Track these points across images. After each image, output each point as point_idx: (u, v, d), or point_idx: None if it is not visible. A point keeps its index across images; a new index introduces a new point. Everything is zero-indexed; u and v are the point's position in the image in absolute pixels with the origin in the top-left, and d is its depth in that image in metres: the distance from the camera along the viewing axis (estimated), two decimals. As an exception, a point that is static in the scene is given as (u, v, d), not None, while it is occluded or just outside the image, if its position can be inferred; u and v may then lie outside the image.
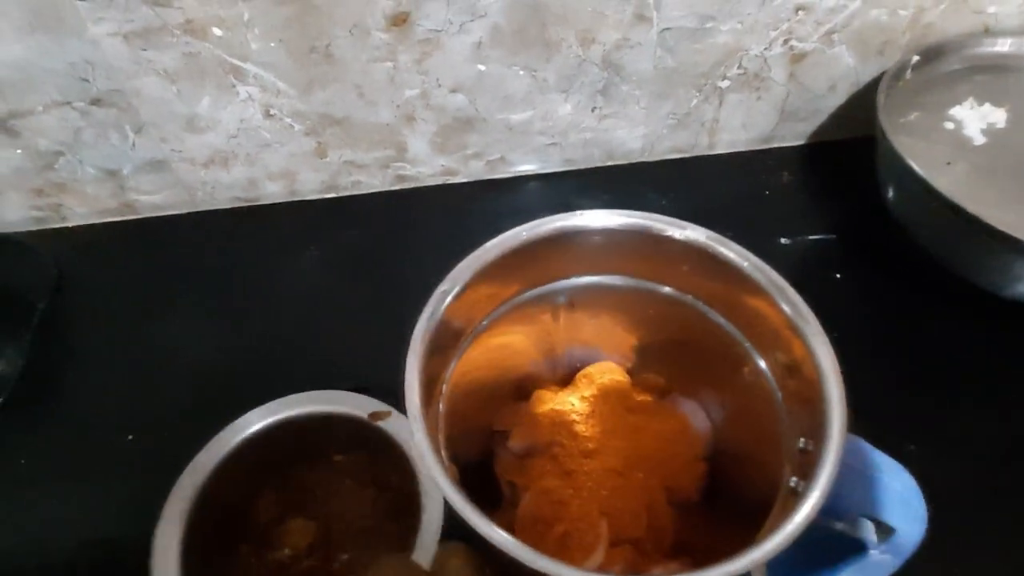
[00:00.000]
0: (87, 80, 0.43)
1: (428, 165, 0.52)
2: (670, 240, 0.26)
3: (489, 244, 0.26)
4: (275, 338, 0.44)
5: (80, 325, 0.46)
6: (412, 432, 0.22)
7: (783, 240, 0.48)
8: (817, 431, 0.22)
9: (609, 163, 0.54)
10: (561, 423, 0.32)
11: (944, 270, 0.42)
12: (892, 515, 0.21)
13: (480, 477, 0.34)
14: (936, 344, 0.43)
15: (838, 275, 0.46)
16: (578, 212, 0.26)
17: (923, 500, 0.22)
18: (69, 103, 0.44)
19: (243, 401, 0.41)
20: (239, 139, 0.47)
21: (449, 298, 0.25)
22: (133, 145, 0.47)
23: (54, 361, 0.44)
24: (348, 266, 0.49)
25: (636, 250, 0.27)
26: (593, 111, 0.49)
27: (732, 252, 0.25)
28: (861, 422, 0.38)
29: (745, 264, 0.25)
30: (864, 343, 0.43)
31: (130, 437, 0.40)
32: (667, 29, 0.45)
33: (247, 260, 0.49)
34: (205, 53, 0.42)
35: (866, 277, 0.46)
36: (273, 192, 0.52)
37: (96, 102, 0.44)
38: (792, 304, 0.24)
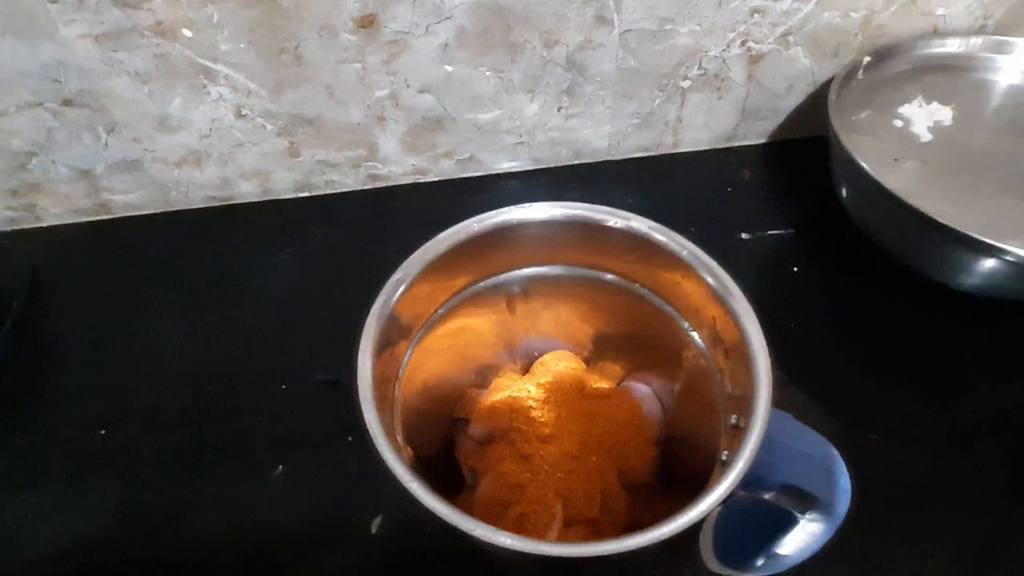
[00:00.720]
0: (59, 81, 0.43)
1: (399, 164, 0.53)
2: (612, 230, 0.27)
3: (441, 236, 0.27)
4: (250, 335, 0.45)
5: (55, 324, 0.47)
6: (363, 412, 0.23)
7: (743, 235, 0.49)
8: (747, 407, 0.23)
9: (576, 161, 0.55)
10: (518, 409, 0.33)
11: (896, 263, 0.44)
12: (816, 485, 0.23)
13: (443, 465, 0.35)
14: (888, 334, 0.44)
15: (795, 268, 0.47)
16: (525, 204, 0.28)
17: (846, 471, 0.23)
18: (41, 104, 0.44)
19: (217, 398, 0.42)
20: (211, 139, 0.48)
21: (402, 287, 0.26)
22: (106, 145, 0.47)
23: (29, 360, 0.45)
24: (323, 264, 0.49)
25: (583, 240, 0.29)
26: (559, 111, 0.51)
27: (671, 240, 0.27)
28: (815, 409, 0.40)
29: (684, 252, 0.27)
30: (819, 333, 0.44)
31: (103, 432, 0.41)
32: (628, 31, 0.46)
33: (222, 259, 0.50)
34: (175, 54, 0.43)
35: (822, 270, 0.47)
36: (247, 191, 0.53)
37: (68, 103, 0.45)
38: (724, 286, 0.25)
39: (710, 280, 0.26)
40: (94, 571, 0.35)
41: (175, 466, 0.39)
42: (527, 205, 0.28)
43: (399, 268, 0.26)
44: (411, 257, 0.27)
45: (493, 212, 0.28)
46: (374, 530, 0.36)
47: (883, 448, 0.39)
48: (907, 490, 0.37)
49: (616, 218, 0.27)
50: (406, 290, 0.26)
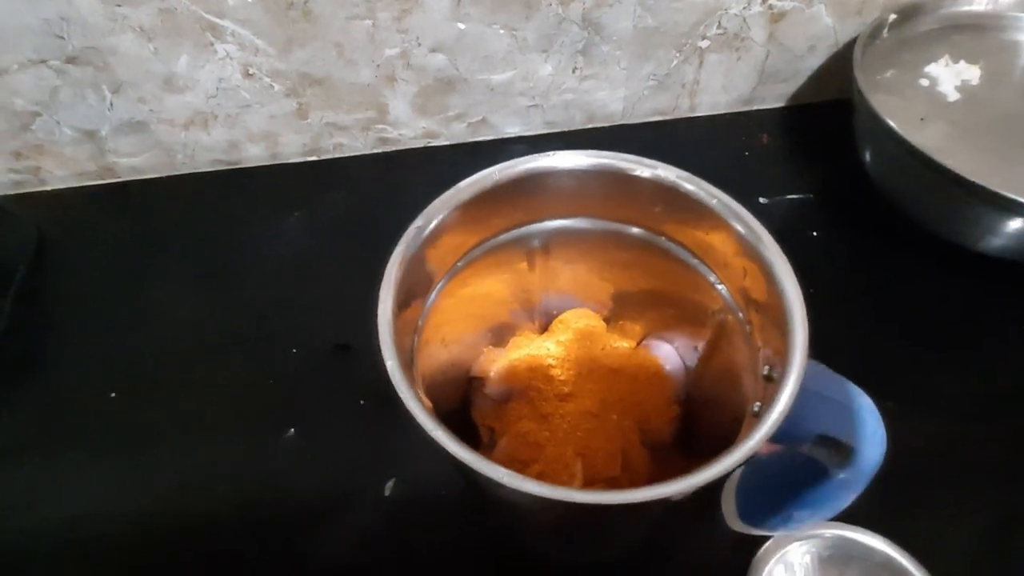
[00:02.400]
0: (62, 37, 0.42)
1: (410, 127, 0.52)
2: (640, 180, 0.26)
3: (463, 183, 0.27)
4: (259, 300, 0.44)
5: (61, 289, 0.46)
6: (384, 359, 0.22)
7: (762, 200, 0.48)
8: (781, 356, 0.22)
9: (590, 125, 0.54)
10: (537, 368, 0.32)
11: (918, 226, 0.43)
12: (851, 436, 0.22)
13: (458, 424, 0.34)
14: (909, 299, 0.43)
15: (815, 233, 0.47)
16: (550, 152, 0.27)
17: (881, 422, 0.22)
18: (44, 61, 0.43)
19: (227, 362, 0.41)
20: (218, 99, 0.47)
21: (424, 234, 0.25)
22: (111, 105, 0.46)
23: (34, 324, 0.44)
24: (332, 229, 0.49)
25: (608, 191, 0.28)
26: (574, 72, 0.49)
27: (700, 189, 0.26)
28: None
29: (714, 201, 0.26)
30: (839, 298, 0.43)
31: (112, 395, 0.40)
32: (646, -14, 0.45)
33: (230, 223, 0.49)
34: (181, 9, 0.42)
35: (842, 234, 0.47)
36: (255, 155, 0.52)
37: (72, 60, 0.44)
38: (756, 235, 0.24)
39: (741, 229, 0.25)
40: (104, 535, 0.35)
41: (185, 430, 0.39)
42: (552, 153, 0.27)
43: (420, 215, 0.26)
44: (432, 204, 0.26)
45: (517, 160, 0.27)
46: (387, 492, 0.36)
47: (905, 416, 0.38)
48: (930, 458, 0.36)
49: (643, 167, 0.27)
50: (427, 238, 0.25)
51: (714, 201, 0.26)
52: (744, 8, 0.47)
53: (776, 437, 0.22)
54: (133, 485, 0.37)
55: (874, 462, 0.23)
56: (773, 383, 0.23)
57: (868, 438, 0.22)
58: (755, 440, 0.20)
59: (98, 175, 0.51)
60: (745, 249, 0.25)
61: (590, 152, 0.27)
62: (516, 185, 0.27)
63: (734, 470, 0.24)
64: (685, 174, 0.26)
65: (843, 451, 0.22)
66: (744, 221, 0.25)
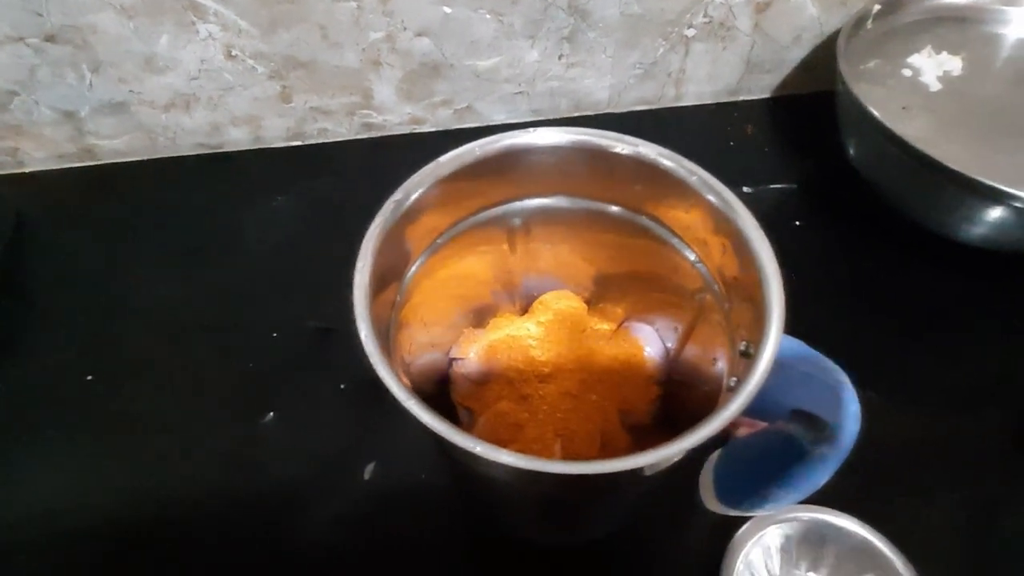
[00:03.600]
0: (40, 15, 0.42)
1: (395, 113, 0.51)
2: (619, 157, 0.26)
3: (443, 158, 0.26)
4: (240, 284, 0.44)
5: (38, 272, 0.45)
6: (359, 330, 0.22)
7: (746, 189, 0.48)
8: (757, 331, 0.22)
9: (576, 114, 0.54)
10: (517, 348, 0.32)
11: (900, 216, 0.43)
12: (827, 411, 0.22)
13: (438, 405, 0.34)
14: (891, 288, 0.44)
15: (798, 222, 0.47)
16: (530, 129, 0.27)
17: (855, 395, 0.22)
18: (22, 39, 0.43)
19: (206, 346, 0.41)
20: (200, 81, 0.47)
21: (403, 208, 0.25)
22: (90, 85, 0.46)
23: (10, 308, 0.43)
24: (315, 214, 0.48)
25: (588, 168, 0.28)
26: (560, 59, 0.49)
27: (679, 165, 0.26)
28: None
29: (693, 178, 0.26)
30: (821, 286, 0.43)
31: (89, 378, 0.40)
32: (633, -27, 0.45)
33: (211, 208, 0.48)
34: (162, -13, 0.41)
35: (826, 224, 0.47)
36: (237, 139, 0.51)
37: (50, 38, 0.43)
38: (732, 208, 0.24)
39: (718, 204, 0.25)
40: (81, 520, 0.34)
41: (163, 414, 0.38)
42: (532, 130, 0.27)
43: (399, 189, 0.25)
44: (411, 178, 0.26)
45: (497, 136, 0.27)
46: (367, 476, 0.36)
47: (886, 403, 0.38)
48: (908, 444, 0.36)
49: (624, 144, 0.26)
50: (406, 212, 0.25)
51: (693, 178, 0.26)
52: (730, -3, 0.47)
53: (752, 411, 0.22)
54: (110, 469, 0.36)
55: (850, 438, 0.23)
56: (750, 358, 0.23)
57: (844, 413, 0.22)
58: (728, 412, 0.20)
59: (77, 157, 0.50)
60: (722, 225, 0.25)
61: (570, 129, 0.27)
62: (497, 161, 0.27)
63: (710, 446, 0.24)
64: (665, 151, 0.26)
65: (819, 426, 0.22)
66: (721, 196, 0.25)
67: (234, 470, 0.36)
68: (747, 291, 0.24)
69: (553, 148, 0.27)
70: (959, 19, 0.48)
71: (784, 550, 0.32)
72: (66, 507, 0.35)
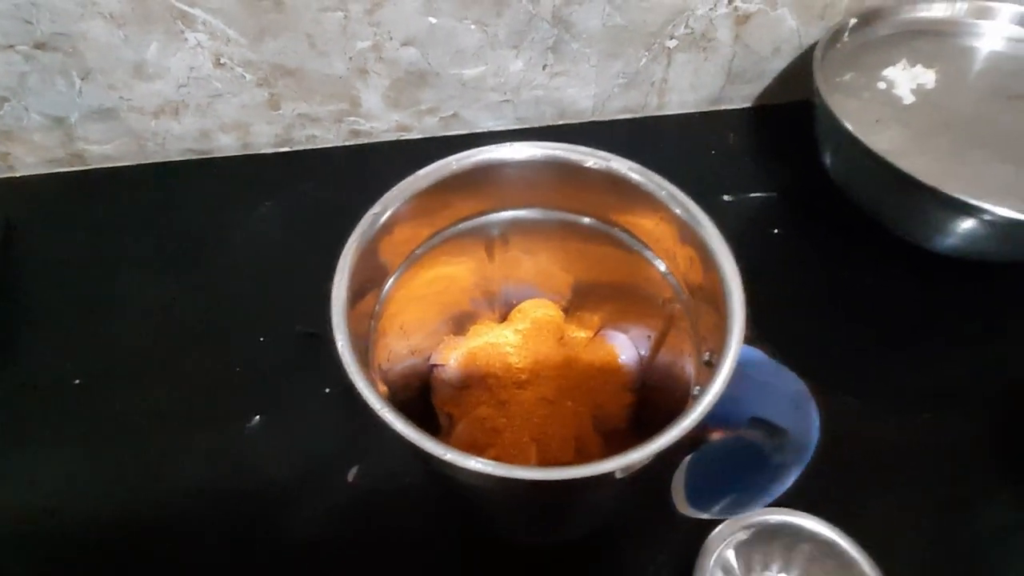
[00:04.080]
0: (31, 23, 0.42)
1: (382, 120, 0.52)
2: (591, 171, 0.27)
3: (421, 172, 0.27)
4: (228, 289, 0.45)
5: (29, 276, 0.46)
6: (336, 341, 0.23)
7: (726, 197, 0.49)
8: (719, 342, 0.23)
9: (561, 122, 0.55)
10: (496, 355, 0.33)
11: (876, 225, 0.44)
12: (785, 419, 0.23)
13: (420, 411, 0.35)
14: (866, 296, 0.45)
15: (776, 231, 0.48)
16: (505, 144, 0.27)
17: (814, 404, 0.23)
18: (12, 46, 0.43)
19: (194, 350, 0.41)
20: (189, 88, 0.47)
21: (381, 221, 0.26)
22: (80, 92, 0.46)
23: (1, 310, 0.44)
24: (303, 220, 0.49)
25: (562, 182, 0.28)
26: (544, 68, 0.50)
27: (648, 180, 0.27)
28: (792, 370, 0.40)
29: (662, 193, 0.27)
30: (798, 293, 0.45)
31: (77, 382, 0.40)
32: (615, -14, 0.46)
33: (200, 213, 0.49)
34: (152, -4, 0.42)
35: (803, 232, 0.48)
36: (226, 145, 0.52)
37: (41, 46, 0.43)
38: (697, 221, 0.25)
39: (684, 217, 0.26)
40: (69, 523, 0.35)
41: (151, 416, 0.39)
42: (507, 144, 0.28)
43: (377, 203, 0.26)
44: (389, 192, 0.26)
45: (473, 151, 0.27)
46: (351, 479, 0.37)
47: (859, 408, 0.39)
48: (880, 452, 0.37)
49: (595, 158, 0.27)
50: (384, 225, 0.26)
51: (662, 192, 0.27)
52: (711, 9, 0.48)
53: (713, 420, 0.23)
54: (97, 471, 0.37)
55: (810, 446, 0.24)
56: (712, 368, 0.24)
57: (803, 421, 0.23)
58: (686, 422, 0.21)
59: (67, 162, 0.51)
60: (689, 237, 0.26)
61: (544, 144, 0.27)
62: (473, 175, 0.28)
63: (680, 451, 0.25)
64: (635, 165, 0.27)
65: (778, 434, 0.23)
66: (688, 209, 0.26)
67: (220, 473, 0.37)
68: (710, 301, 0.25)
69: (528, 162, 0.28)
70: (934, 32, 0.49)
71: (756, 552, 0.33)
72: (54, 509, 0.35)
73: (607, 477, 0.22)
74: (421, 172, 0.27)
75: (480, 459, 0.20)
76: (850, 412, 0.39)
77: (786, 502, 0.29)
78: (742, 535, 0.33)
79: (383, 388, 0.26)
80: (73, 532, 0.35)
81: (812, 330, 0.43)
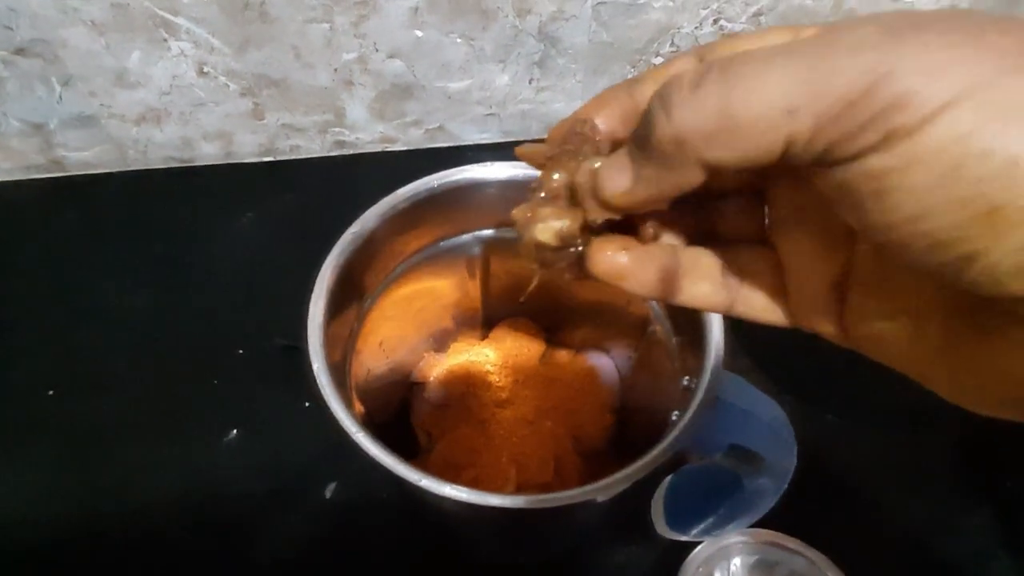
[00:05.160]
0: (10, 28, 0.42)
1: (367, 131, 0.52)
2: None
3: (401, 191, 0.27)
4: (207, 299, 0.44)
5: (3, 282, 0.45)
6: (312, 362, 0.22)
7: (709, 214, 0.50)
8: (698, 366, 0.23)
9: (547, 136, 0.55)
10: (476, 374, 0.33)
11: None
12: (762, 445, 0.23)
13: (399, 429, 0.35)
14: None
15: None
16: (487, 163, 0.27)
17: (792, 431, 0.23)
18: (-9, 51, 0.43)
19: (171, 361, 0.41)
20: (172, 96, 0.47)
21: (360, 240, 0.26)
22: (60, 98, 0.46)
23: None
24: (285, 230, 0.48)
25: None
26: (530, 83, 0.50)
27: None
28: (770, 388, 0.40)
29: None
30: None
31: (51, 392, 0.40)
32: (601, 3, 0.46)
33: (180, 222, 0.48)
34: (134, 4, 0.41)
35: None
36: (209, 153, 0.51)
37: (20, 52, 0.43)
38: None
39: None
40: (38, 536, 0.34)
41: (126, 428, 0.38)
42: (488, 164, 0.28)
43: (356, 221, 0.26)
44: (369, 211, 0.26)
45: (455, 169, 0.27)
46: (328, 495, 0.36)
47: (841, 428, 0.39)
48: (858, 469, 0.38)
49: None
50: (363, 244, 0.26)
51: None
52: (696, 28, 0.49)
53: (690, 446, 0.23)
54: (70, 483, 0.36)
55: (788, 471, 0.24)
56: (690, 392, 0.24)
57: (781, 448, 0.23)
58: (659, 448, 0.21)
59: (46, 168, 0.50)
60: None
61: (526, 164, 0.27)
62: (454, 194, 0.28)
63: (659, 475, 0.25)
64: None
65: (755, 461, 0.23)
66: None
67: (195, 487, 0.36)
68: (689, 327, 0.25)
69: (509, 182, 0.28)
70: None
71: (735, 573, 0.33)
72: (26, 520, 0.35)
73: (574, 506, 0.22)
74: (401, 191, 0.27)
75: (455, 486, 0.20)
76: (831, 430, 0.39)
77: (767, 523, 0.29)
78: (721, 556, 0.33)
79: (359, 408, 0.26)
80: (43, 545, 0.34)
81: (790, 347, 0.43)
